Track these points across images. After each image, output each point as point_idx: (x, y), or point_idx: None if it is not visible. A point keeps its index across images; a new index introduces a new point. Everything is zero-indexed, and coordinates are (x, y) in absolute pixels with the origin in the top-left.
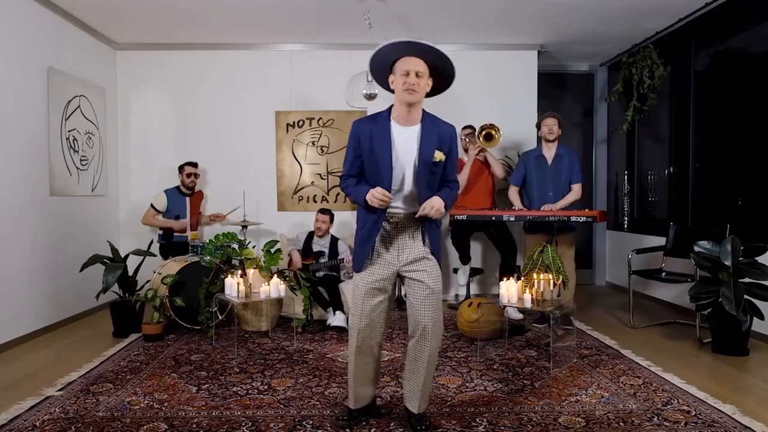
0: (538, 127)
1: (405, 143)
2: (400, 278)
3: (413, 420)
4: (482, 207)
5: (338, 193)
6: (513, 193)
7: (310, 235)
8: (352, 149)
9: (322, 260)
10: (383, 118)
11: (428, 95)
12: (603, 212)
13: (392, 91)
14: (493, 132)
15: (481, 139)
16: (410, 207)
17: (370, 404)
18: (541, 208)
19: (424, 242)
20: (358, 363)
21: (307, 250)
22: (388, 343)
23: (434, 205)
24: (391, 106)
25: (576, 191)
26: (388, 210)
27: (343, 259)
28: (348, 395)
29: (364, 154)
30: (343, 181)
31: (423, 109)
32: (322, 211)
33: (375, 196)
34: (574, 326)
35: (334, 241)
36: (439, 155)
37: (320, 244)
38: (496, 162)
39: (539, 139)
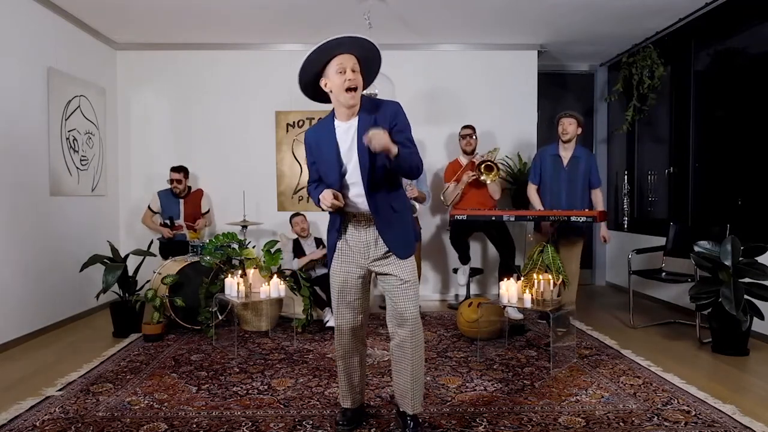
0: (556, 123)
1: (347, 139)
2: (374, 274)
3: (407, 423)
4: (482, 208)
5: None
6: (532, 191)
7: (296, 242)
8: (308, 157)
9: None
10: (329, 120)
11: None
12: (603, 212)
13: (323, 100)
14: (493, 166)
15: (482, 169)
16: (366, 205)
17: (362, 403)
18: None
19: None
20: (346, 362)
21: (301, 253)
22: (388, 342)
23: (376, 133)
24: (333, 111)
25: (600, 196)
26: (348, 209)
27: None
28: (341, 397)
29: (317, 159)
30: (308, 187)
31: (361, 99)
32: (295, 215)
33: (325, 197)
34: (573, 326)
35: (318, 240)
36: (371, 132)
37: (308, 244)
38: (492, 184)
39: (546, 138)
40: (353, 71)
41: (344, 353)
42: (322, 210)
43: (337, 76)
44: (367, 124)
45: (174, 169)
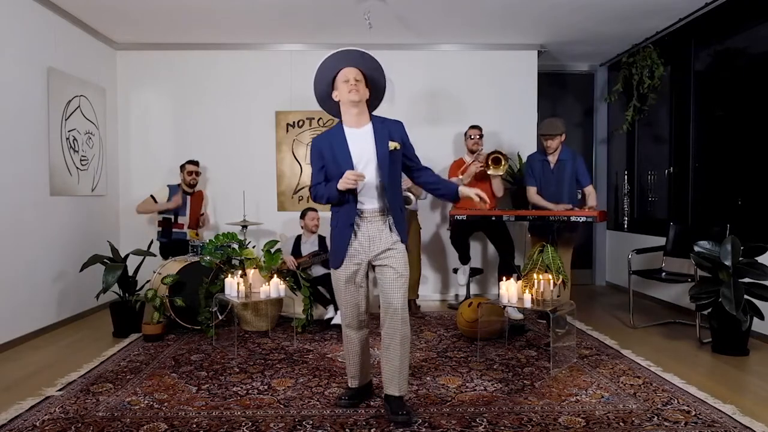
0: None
1: (361, 142)
2: (371, 267)
3: (394, 403)
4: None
5: None
6: (533, 194)
7: (298, 239)
8: (316, 161)
9: (316, 257)
10: (337, 128)
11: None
12: (603, 212)
13: (338, 114)
14: (502, 158)
15: (490, 161)
16: (375, 202)
17: (367, 384)
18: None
19: (391, 231)
20: (352, 347)
21: (296, 253)
22: None
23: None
24: (341, 120)
25: (592, 193)
26: (357, 207)
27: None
28: (348, 376)
29: (327, 163)
30: (312, 191)
31: (369, 113)
32: (312, 209)
33: (347, 176)
34: (573, 326)
35: (321, 239)
36: (393, 144)
37: (309, 243)
38: (496, 180)
39: (539, 144)
40: (356, 80)
41: (348, 341)
42: (336, 203)
43: (343, 84)
44: (383, 133)
45: (192, 162)
